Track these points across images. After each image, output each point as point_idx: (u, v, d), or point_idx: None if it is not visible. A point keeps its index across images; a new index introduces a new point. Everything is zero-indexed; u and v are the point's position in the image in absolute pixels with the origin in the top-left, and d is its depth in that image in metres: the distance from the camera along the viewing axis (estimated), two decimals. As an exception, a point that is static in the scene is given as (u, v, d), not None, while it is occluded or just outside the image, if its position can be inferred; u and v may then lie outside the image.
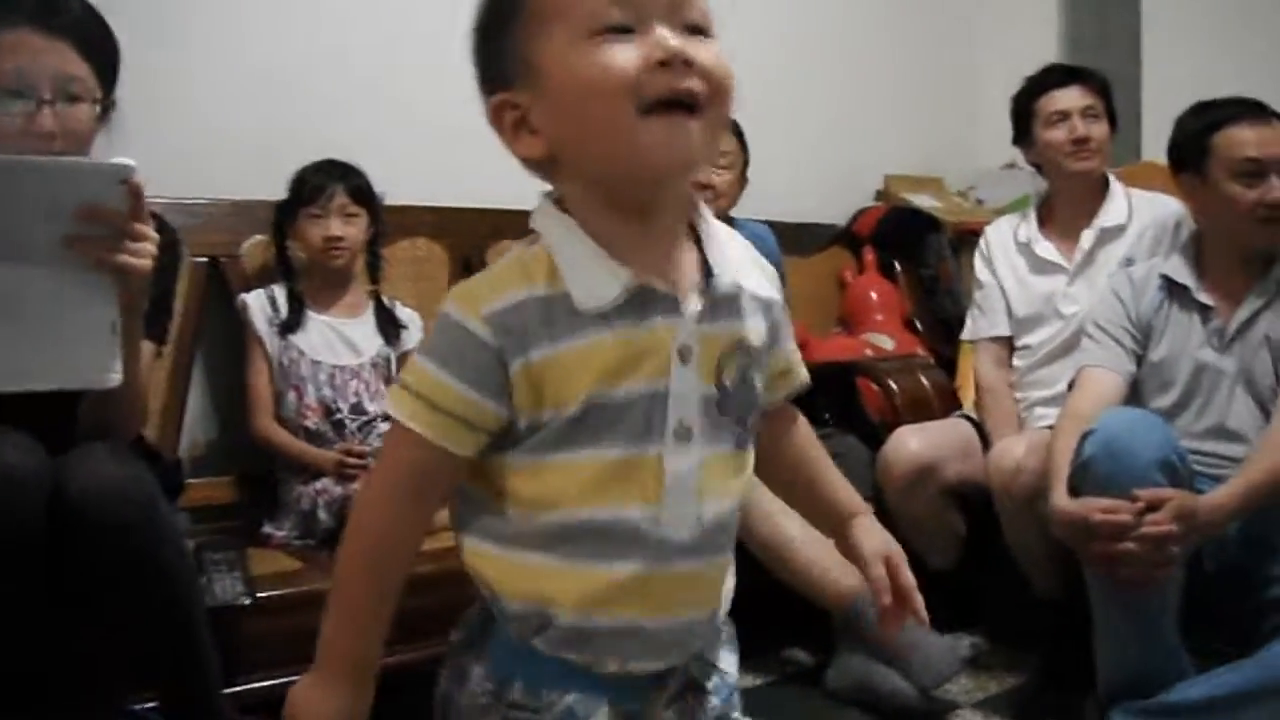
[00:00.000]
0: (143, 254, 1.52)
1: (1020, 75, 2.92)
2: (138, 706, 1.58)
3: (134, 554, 1.56)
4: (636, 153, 0.92)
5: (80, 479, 1.53)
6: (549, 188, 1.03)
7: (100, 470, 1.55)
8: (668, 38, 0.91)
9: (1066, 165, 2.75)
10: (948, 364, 3.25)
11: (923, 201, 4.17)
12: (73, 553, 1.53)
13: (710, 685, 1.07)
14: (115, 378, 1.53)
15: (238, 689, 1.84)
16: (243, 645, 1.87)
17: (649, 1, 0.92)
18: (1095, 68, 2.94)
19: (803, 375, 1.16)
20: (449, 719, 1.04)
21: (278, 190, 2.60)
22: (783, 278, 2.99)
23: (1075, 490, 2.03)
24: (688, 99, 0.92)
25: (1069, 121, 2.73)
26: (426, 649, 1.81)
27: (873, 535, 1.17)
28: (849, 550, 1.17)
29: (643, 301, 0.95)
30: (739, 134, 2.91)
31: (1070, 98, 2.75)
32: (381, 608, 1.00)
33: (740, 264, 1.03)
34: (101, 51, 1.73)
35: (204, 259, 2.60)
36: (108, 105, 1.75)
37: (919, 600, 1.14)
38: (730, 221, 2.93)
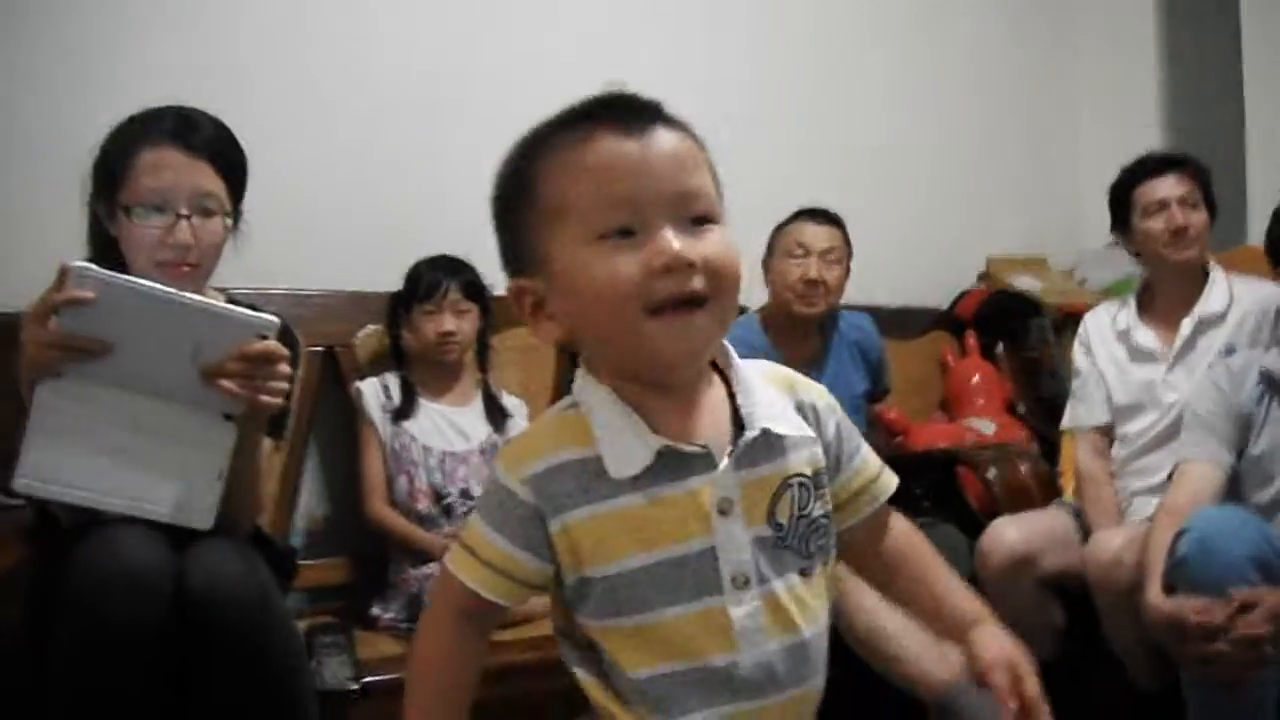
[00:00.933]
0: (274, 393, 1.63)
1: (1122, 155, 2.92)
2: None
3: (250, 647, 1.64)
4: (645, 349, 0.97)
5: (201, 574, 1.61)
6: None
7: (220, 567, 1.63)
8: (670, 241, 0.95)
9: (1165, 255, 2.75)
10: (1050, 448, 3.21)
11: (1026, 282, 4.16)
12: (192, 644, 1.61)
13: None
14: (210, 522, 1.65)
15: None
16: (349, 729, 1.94)
17: (649, 203, 0.96)
18: (1198, 148, 2.93)
19: (887, 483, 1.16)
20: None
21: (389, 281, 2.72)
22: (883, 363, 3.04)
23: (1170, 588, 2.03)
24: (690, 299, 0.96)
25: (1167, 211, 2.72)
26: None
27: (995, 642, 1.13)
28: (977, 652, 1.13)
29: (676, 464, 0.99)
30: (843, 227, 2.97)
31: (1167, 186, 2.75)
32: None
33: (773, 409, 1.05)
34: (233, 168, 1.86)
35: (318, 348, 2.72)
36: (237, 218, 1.87)
37: (1044, 713, 1.11)
38: (835, 314, 2.99)
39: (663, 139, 0.99)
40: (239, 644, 1.63)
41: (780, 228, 2.97)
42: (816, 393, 1.12)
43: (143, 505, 1.61)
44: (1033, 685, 1.12)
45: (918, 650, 2.50)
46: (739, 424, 1.03)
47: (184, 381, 1.58)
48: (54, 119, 2.58)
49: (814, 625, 1.05)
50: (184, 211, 1.77)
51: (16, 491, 1.57)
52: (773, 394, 1.07)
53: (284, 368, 1.64)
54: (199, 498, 1.63)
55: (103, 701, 1.58)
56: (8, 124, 2.58)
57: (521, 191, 1.03)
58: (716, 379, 1.06)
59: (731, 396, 1.05)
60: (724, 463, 1.01)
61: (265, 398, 1.62)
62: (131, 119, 1.84)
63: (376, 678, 2.05)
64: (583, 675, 1.06)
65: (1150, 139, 4.17)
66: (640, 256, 0.95)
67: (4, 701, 1.71)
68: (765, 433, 1.02)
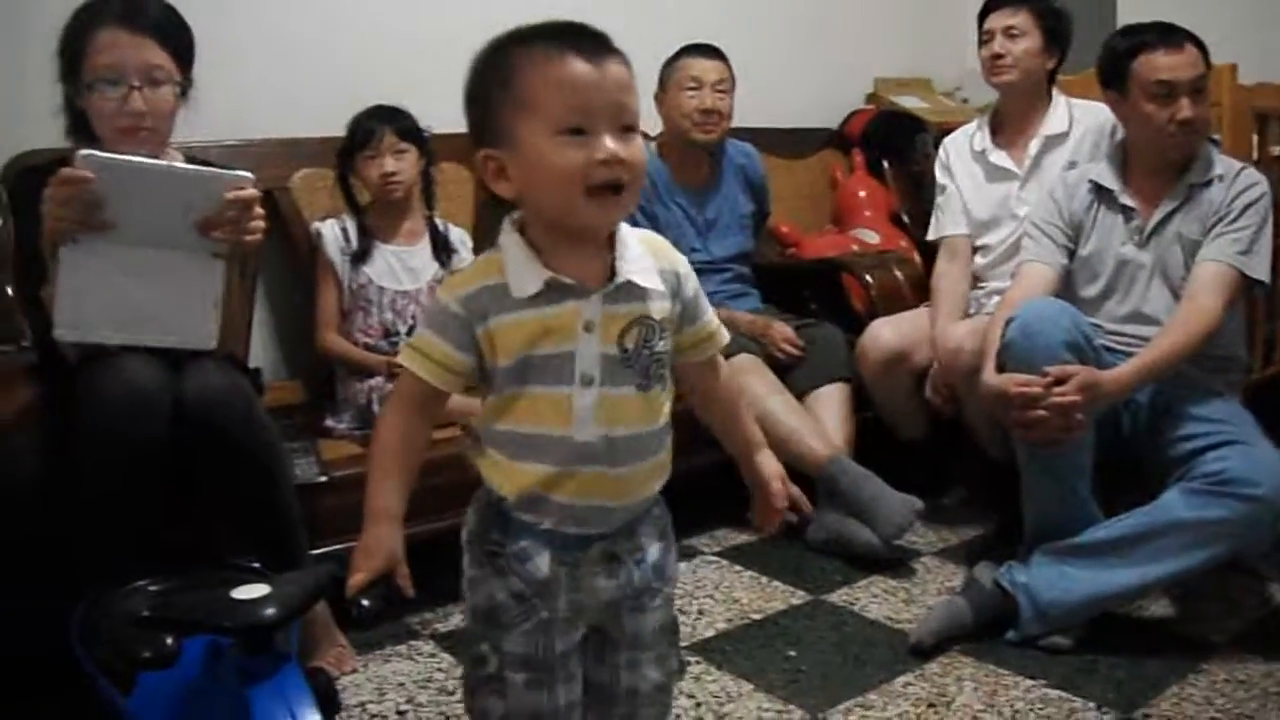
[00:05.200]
0: (256, 231, 1.95)
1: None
2: (243, 562, 1.99)
3: (239, 446, 1.98)
4: (578, 218, 1.32)
5: (195, 390, 1.94)
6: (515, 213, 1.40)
7: (211, 382, 1.96)
8: (609, 144, 1.28)
9: (988, 79, 3.11)
10: (933, 254, 3.39)
11: (910, 102, 4.45)
12: (191, 447, 1.94)
13: (631, 559, 1.44)
14: (214, 342, 1.97)
15: (316, 552, 2.23)
16: (319, 516, 2.28)
17: (599, 114, 1.29)
18: None
19: (721, 338, 1.53)
20: (463, 546, 1.46)
21: (321, 127, 2.99)
22: (765, 188, 3.34)
23: (1001, 367, 2.39)
24: (616, 185, 1.30)
25: (992, 40, 3.06)
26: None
27: (771, 463, 1.60)
28: (753, 471, 1.59)
29: (558, 291, 1.34)
30: (727, 60, 3.26)
31: (996, 19, 3.08)
32: (402, 475, 1.40)
33: (640, 265, 1.39)
34: (179, 42, 2.10)
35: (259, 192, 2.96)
36: (186, 85, 2.13)
37: (795, 503, 1.61)
38: (723, 143, 3.29)
39: (611, 67, 1.32)
40: (231, 445, 1.97)
41: (670, 63, 3.26)
42: (680, 262, 1.48)
43: (159, 336, 1.94)
44: (792, 489, 1.61)
45: (802, 430, 2.90)
46: (613, 273, 1.38)
47: (179, 233, 1.89)
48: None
49: (637, 427, 1.39)
50: (135, 83, 2.02)
51: (58, 340, 1.88)
52: (644, 257, 1.41)
53: (259, 210, 1.95)
54: (202, 323, 1.95)
55: (121, 506, 1.91)
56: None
57: (498, 80, 1.34)
58: (606, 241, 1.40)
59: (613, 254, 1.40)
60: (594, 296, 1.36)
61: (249, 238, 1.94)
62: (85, 6, 2.07)
63: (340, 473, 2.40)
64: (473, 455, 1.43)
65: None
66: (586, 152, 1.28)
67: (27, 523, 2.02)
68: (629, 281, 1.38)
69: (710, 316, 1.51)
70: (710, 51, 3.26)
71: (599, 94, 1.30)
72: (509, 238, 1.38)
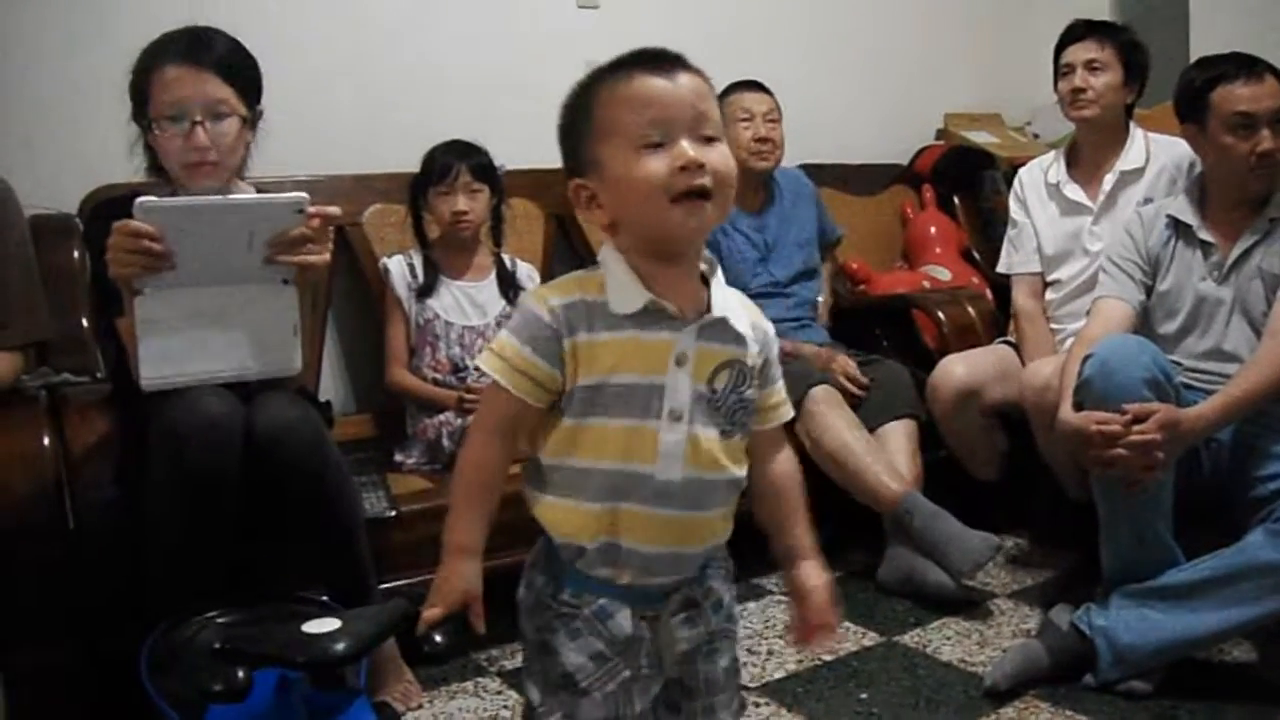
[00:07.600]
0: (321, 253, 1.94)
1: (1076, 15, 3.17)
2: (312, 595, 1.99)
3: (309, 478, 1.99)
4: (667, 228, 1.30)
5: (266, 421, 1.95)
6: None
7: (282, 413, 1.97)
8: (687, 149, 1.27)
9: (1067, 114, 3.05)
10: (1005, 290, 3.41)
11: (981, 137, 4.42)
12: (262, 479, 1.95)
13: (707, 605, 1.41)
14: (299, 365, 1.97)
15: (384, 586, 2.23)
16: (388, 551, 2.29)
17: (675, 123, 1.29)
18: (1145, 8, 3.11)
19: (786, 414, 1.49)
20: (523, 614, 1.42)
21: (391, 163, 3.03)
22: (822, 205, 3.49)
23: (1079, 406, 2.33)
24: (701, 192, 1.28)
25: (1073, 74, 3.01)
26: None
27: (819, 572, 1.49)
28: (798, 578, 1.49)
29: (656, 316, 1.32)
30: (772, 94, 3.34)
31: (1076, 52, 3.02)
32: (484, 508, 1.37)
33: (734, 310, 1.38)
34: (243, 76, 2.11)
35: (330, 227, 2.99)
36: (254, 118, 2.14)
37: (832, 626, 1.49)
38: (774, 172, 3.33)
39: (683, 79, 1.32)
40: (302, 477, 1.98)
41: (722, 98, 3.27)
42: (768, 326, 1.47)
43: (245, 370, 1.94)
44: (834, 613, 1.50)
45: (876, 466, 2.86)
46: (709, 309, 1.36)
47: (247, 266, 1.89)
48: (79, 42, 2.85)
49: (718, 473, 1.37)
50: (198, 118, 2.03)
51: (145, 390, 1.87)
52: (737, 305, 1.40)
53: (322, 234, 1.93)
54: (284, 350, 1.95)
55: (192, 537, 1.92)
56: (38, 51, 2.84)
57: (581, 118, 1.35)
58: (701, 282, 1.39)
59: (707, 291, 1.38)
60: (690, 328, 1.34)
61: (315, 258, 1.93)
62: (150, 45, 2.09)
63: (409, 508, 2.41)
64: (531, 494, 1.39)
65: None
66: (666, 160, 1.28)
67: (103, 546, 2.05)
68: (724, 320, 1.36)
69: (780, 386, 1.48)
70: (756, 86, 3.33)
71: (673, 105, 1.29)
72: (612, 255, 1.36)
